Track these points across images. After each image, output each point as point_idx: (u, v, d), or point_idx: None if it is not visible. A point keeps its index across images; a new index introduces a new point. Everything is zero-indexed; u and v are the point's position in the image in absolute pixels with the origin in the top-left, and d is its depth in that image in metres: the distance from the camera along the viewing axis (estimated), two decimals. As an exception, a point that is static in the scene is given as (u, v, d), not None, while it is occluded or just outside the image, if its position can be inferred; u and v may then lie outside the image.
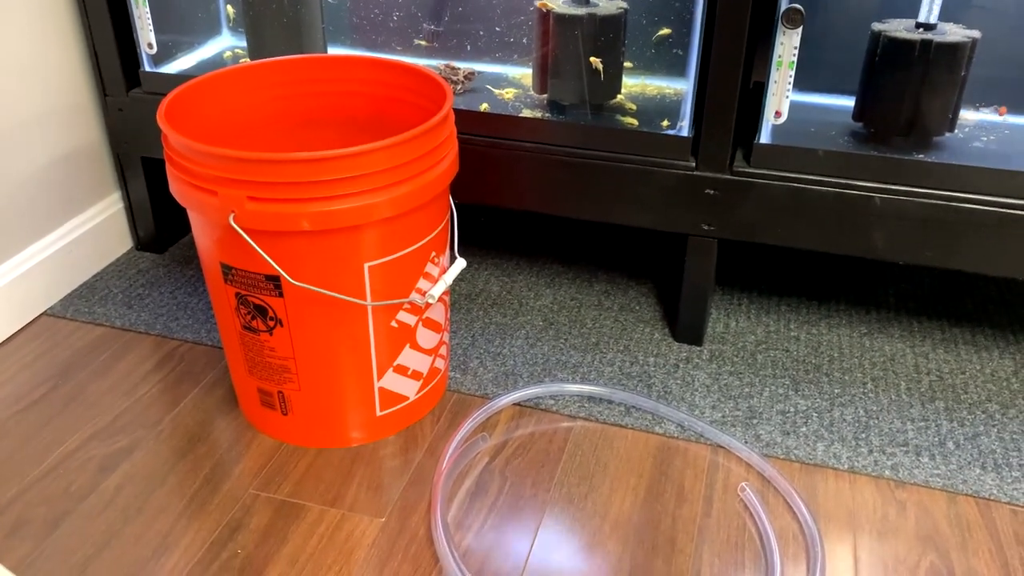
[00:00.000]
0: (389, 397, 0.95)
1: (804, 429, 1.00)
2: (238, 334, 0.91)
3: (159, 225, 1.31)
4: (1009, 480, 0.93)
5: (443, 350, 1.01)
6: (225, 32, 1.31)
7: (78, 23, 1.18)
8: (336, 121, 1.05)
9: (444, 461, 0.93)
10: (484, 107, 1.09)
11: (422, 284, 0.92)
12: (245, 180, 0.79)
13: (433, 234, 0.91)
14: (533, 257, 1.33)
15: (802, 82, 1.03)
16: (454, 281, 1.25)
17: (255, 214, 0.80)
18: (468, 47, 1.20)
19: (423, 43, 1.22)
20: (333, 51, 1.23)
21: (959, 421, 1.01)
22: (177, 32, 1.24)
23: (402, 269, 0.89)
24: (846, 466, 0.94)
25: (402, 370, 0.95)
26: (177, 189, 0.84)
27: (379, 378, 0.94)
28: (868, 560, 0.84)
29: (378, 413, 0.96)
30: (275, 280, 0.85)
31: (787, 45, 0.94)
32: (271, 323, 0.88)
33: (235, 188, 0.79)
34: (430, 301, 0.91)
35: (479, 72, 1.19)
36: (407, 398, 0.97)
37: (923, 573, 0.83)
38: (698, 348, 1.13)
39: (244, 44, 1.30)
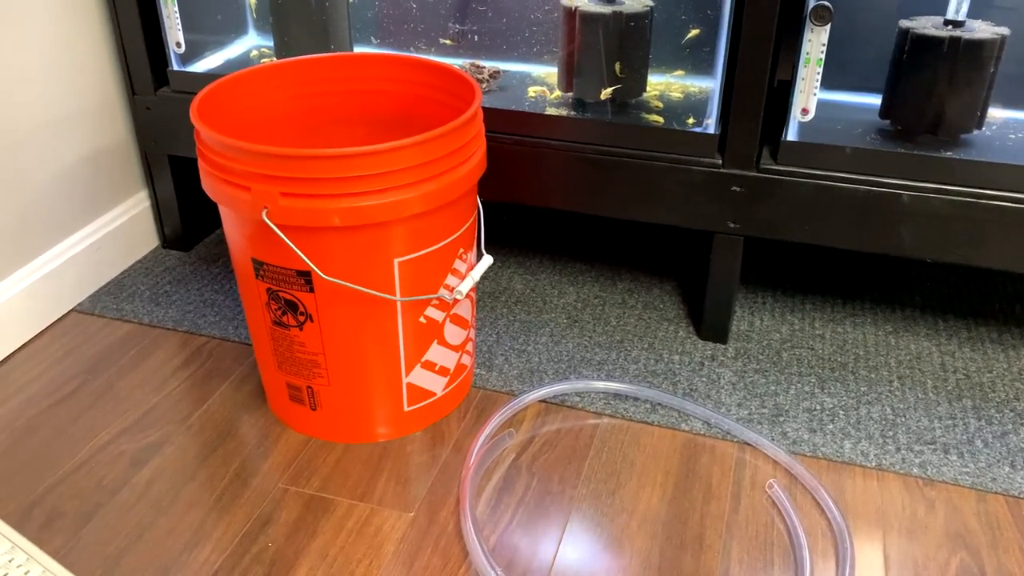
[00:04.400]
0: (416, 393, 0.96)
1: (831, 427, 0.99)
2: (268, 329, 0.92)
3: (185, 223, 1.32)
4: (1038, 478, 0.92)
5: (469, 346, 1.02)
6: (252, 31, 1.33)
7: (107, 22, 1.20)
8: (364, 119, 1.06)
9: (471, 457, 0.93)
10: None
11: (450, 280, 0.92)
12: (278, 176, 0.79)
13: (461, 230, 0.91)
14: (556, 255, 1.33)
15: (829, 80, 1.02)
16: (479, 279, 1.25)
17: (287, 210, 0.80)
18: (493, 46, 1.21)
19: (448, 42, 1.22)
20: (359, 50, 1.24)
21: (987, 419, 1.01)
22: (205, 31, 1.25)
23: (431, 265, 0.89)
24: (874, 464, 0.94)
25: (429, 366, 0.95)
26: (209, 185, 0.85)
27: (407, 374, 0.94)
28: (898, 557, 0.84)
29: (405, 408, 0.96)
30: (306, 275, 0.85)
31: (815, 42, 0.94)
32: (301, 318, 0.89)
33: (268, 184, 0.80)
34: (458, 297, 0.91)
35: (504, 71, 1.19)
36: (434, 394, 0.98)
37: (953, 571, 0.82)
38: (723, 346, 1.13)
39: (270, 43, 1.31)
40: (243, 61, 1.26)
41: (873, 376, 1.08)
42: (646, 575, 0.81)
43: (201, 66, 1.23)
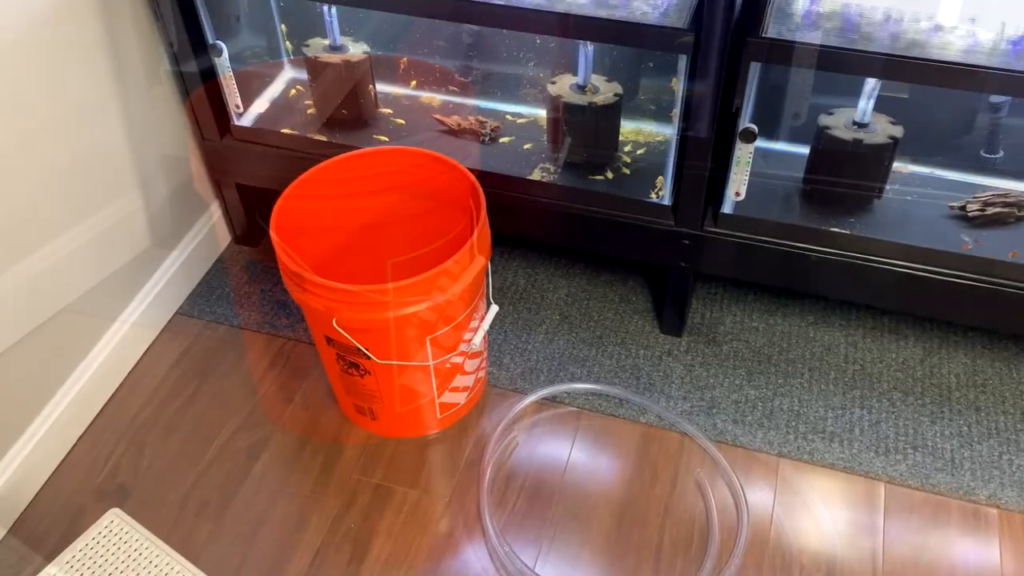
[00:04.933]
0: (446, 407, 1.32)
1: (749, 418, 1.34)
2: (338, 372, 1.27)
3: (251, 223, 1.62)
4: (893, 463, 1.28)
5: (483, 363, 1.36)
6: (287, 67, 1.56)
7: (178, 91, 1.44)
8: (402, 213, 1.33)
9: (487, 453, 1.31)
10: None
11: (466, 335, 1.26)
12: (341, 302, 1.11)
13: (474, 303, 1.23)
14: (554, 252, 1.61)
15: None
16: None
17: (350, 319, 1.13)
18: (499, 90, 1.45)
19: (455, 88, 1.46)
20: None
21: (868, 408, 1.35)
22: (253, 82, 1.49)
23: (453, 333, 1.22)
24: (776, 451, 1.30)
25: (454, 389, 1.31)
26: (292, 292, 1.17)
27: (438, 396, 1.30)
28: (782, 528, 1.22)
29: (438, 416, 1.33)
30: (365, 350, 1.19)
31: (743, 152, 1.20)
32: (362, 372, 1.24)
33: (334, 303, 1.12)
34: (474, 348, 1.25)
35: (507, 115, 1.44)
36: (458, 404, 1.34)
37: (828, 536, 1.21)
38: (678, 339, 1.46)
39: (304, 76, 1.55)
40: (283, 103, 1.51)
41: (790, 369, 1.41)
42: (607, 546, 1.21)
43: (252, 111, 1.48)
